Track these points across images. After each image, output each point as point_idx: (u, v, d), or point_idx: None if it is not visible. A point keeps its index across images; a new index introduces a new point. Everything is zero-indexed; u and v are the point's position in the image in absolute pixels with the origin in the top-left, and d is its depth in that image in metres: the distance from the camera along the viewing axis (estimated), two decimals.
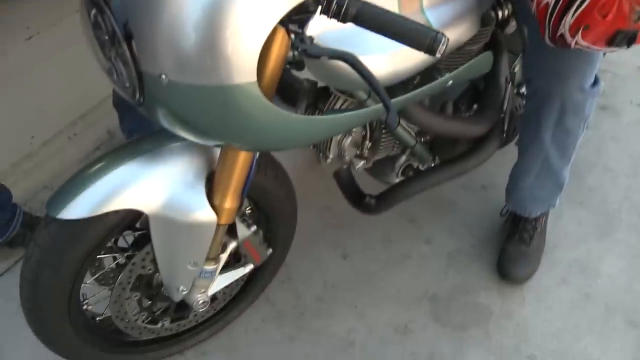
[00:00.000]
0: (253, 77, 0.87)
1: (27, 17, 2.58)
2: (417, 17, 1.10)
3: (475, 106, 1.61)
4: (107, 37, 0.90)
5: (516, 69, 1.71)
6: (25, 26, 2.54)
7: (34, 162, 2.06)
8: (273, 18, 0.84)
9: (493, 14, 1.34)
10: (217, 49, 0.82)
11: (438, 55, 0.82)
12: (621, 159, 2.19)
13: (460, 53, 1.30)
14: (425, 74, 1.23)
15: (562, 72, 1.40)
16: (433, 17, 1.13)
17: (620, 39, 1.10)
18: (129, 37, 0.86)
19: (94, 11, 0.90)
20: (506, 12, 1.36)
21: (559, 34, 1.14)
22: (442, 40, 0.81)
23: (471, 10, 1.23)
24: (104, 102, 2.12)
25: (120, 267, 1.28)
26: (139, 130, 1.57)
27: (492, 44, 1.41)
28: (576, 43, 1.14)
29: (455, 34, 1.18)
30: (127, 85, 0.93)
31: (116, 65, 0.92)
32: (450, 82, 1.28)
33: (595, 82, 1.47)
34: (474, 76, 1.44)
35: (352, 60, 0.86)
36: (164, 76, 0.86)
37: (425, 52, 0.82)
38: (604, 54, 1.61)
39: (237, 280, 1.45)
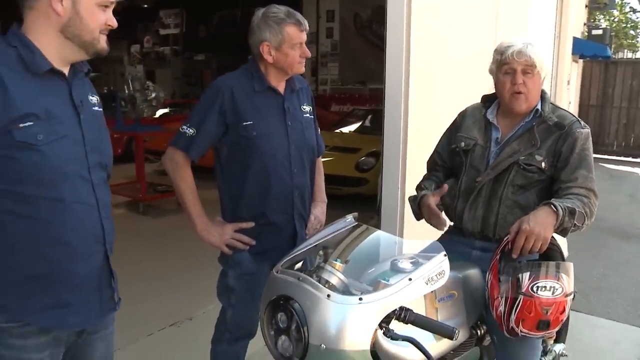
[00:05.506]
0: (367, 347, 1.58)
1: None
2: (433, 304, 1.87)
3: None
4: (283, 327, 1.63)
5: None
6: None
7: None
8: (377, 320, 1.57)
9: (474, 331, 2.09)
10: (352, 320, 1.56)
11: (454, 339, 1.62)
12: None
13: (460, 349, 2.00)
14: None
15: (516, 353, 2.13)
16: (441, 308, 1.90)
17: (542, 325, 1.89)
18: (304, 325, 1.56)
19: (279, 315, 1.64)
20: (482, 331, 2.12)
21: (510, 327, 1.92)
22: (456, 332, 1.56)
23: (462, 319, 1.99)
24: None
25: None
26: None
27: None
28: (521, 331, 1.91)
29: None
30: (290, 355, 1.61)
31: (284, 346, 1.63)
32: None
33: None
34: None
35: (414, 341, 1.57)
36: (323, 345, 1.54)
37: (448, 338, 1.60)
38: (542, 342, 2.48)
39: None
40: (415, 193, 2.49)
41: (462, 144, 2.32)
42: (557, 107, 2.27)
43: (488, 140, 2.28)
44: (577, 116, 2.26)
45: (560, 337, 2.96)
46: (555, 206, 1.95)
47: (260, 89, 2.28)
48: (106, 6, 1.56)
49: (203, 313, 3.75)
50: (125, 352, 3.32)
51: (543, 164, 2.16)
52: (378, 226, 4.19)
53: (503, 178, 2.20)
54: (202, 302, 3.68)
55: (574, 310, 3.93)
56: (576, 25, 11.55)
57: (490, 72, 2.25)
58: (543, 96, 2.24)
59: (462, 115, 2.43)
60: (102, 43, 1.58)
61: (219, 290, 2.46)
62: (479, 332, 2.13)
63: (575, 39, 10.94)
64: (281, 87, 2.34)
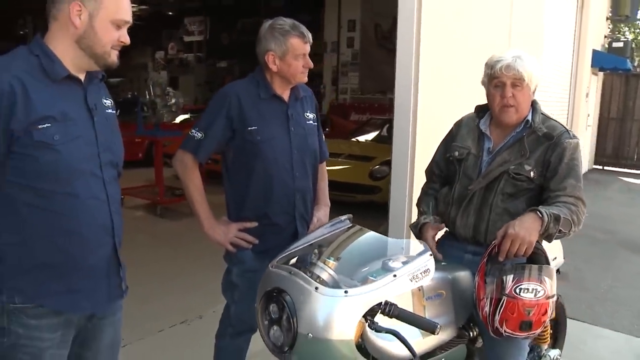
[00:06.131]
0: (351, 337, 1.68)
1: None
2: (421, 302, 1.97)
3: None
4: (275, 318, 1.74)
5: None
6: None
7: None
8: (361, 312, 1.67)
9: (466, 332, 2.20)
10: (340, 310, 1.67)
11: (436, 334, 1.67)
12: None
13: (446, 347, 2.10)
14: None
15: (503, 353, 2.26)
16: (428, 306, 2.01)
17: (524, 326, 1.99)
18: (294, 316, 1.68)
19: (272, 306, 1.75)
20: (475, 332, 2.23)
21: (495, 327, 2.02)
22: (438, 327, 1.64)
23: (450, 318, 2.10)
24: None
25: None
26: None
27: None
28: (505, 331, 2.01)
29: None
30: (281, 344, 1.72)
31: (276, 335, 1.74)
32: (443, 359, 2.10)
33: None
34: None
35: (397, 334, 1.65)
36: (310, 334, 1.65)
37: (430, 332, 1.66)
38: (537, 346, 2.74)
39: None
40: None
41: (456, 153, 2.43)
42: (548, 117, 2.36)
43: (480, 150, 2.38)
44: (567, 127, 2.35)
45: (557, 344, 3.04)
46: (540, 212, 2.05)
47: (266, 96, 2.42)
48: (120, 25, 1.70)
49: (213, 312, 3.86)
50: (135, 347, 3.48)
51: (532, 174, 2.25)
52: (386, 232, 4.30)
53: (493, 186, 2.30)
54: (213, 301, 3.77)
55: (578, 320, 4.01)
56: (596, 37, 11.58)
57: (483, 84, 2.36)
58: (534, 107, 2.34)
59: (458, 125, 2.53)
60: (113, 57, 1.72)
61: (224, 287, 2.60)
62: (471, 333, 2.23)
63: (595, 51, 10.97)
64: (286, 95, 2.47)
